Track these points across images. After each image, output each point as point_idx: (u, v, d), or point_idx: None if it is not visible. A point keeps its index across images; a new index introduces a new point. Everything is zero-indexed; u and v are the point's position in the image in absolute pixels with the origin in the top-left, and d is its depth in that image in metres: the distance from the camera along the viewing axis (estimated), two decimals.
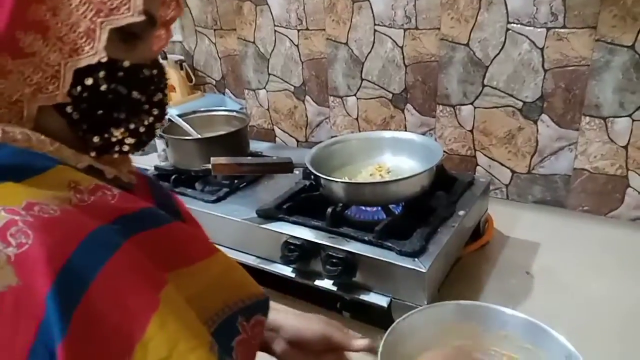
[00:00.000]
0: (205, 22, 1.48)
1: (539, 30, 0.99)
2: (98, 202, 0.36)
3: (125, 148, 0.42)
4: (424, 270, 0.69)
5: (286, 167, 0.89)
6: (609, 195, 1.04)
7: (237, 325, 0.42)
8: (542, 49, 1.00)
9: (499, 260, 0.93)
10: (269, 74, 1.42)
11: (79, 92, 0.37)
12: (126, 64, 0.39)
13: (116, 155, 0.42)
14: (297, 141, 1.47)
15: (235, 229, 0.88)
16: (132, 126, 0.41)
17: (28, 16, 0.34)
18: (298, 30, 1.31)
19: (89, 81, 0.37)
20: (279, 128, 1.49)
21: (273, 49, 1.38)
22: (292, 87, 1.40)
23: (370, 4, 1.17)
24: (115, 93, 0.39)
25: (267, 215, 0.87)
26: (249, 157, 0.90)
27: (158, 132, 0.44)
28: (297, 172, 0.93)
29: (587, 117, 1.00)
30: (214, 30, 1.47)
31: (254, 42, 1.40)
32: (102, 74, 0.37)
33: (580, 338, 0.61)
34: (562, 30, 0.97)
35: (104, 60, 0.36)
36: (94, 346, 0.30)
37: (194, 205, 0.95)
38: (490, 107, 1.10)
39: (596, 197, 1.05)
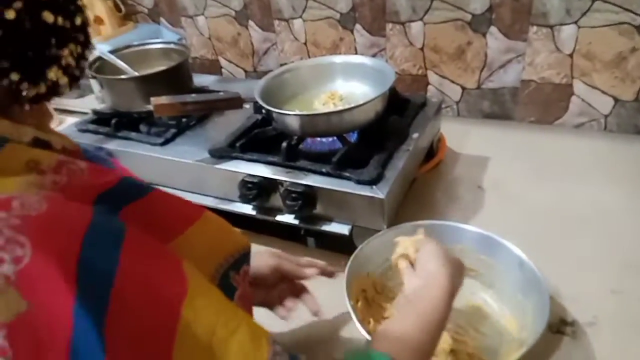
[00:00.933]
0: None
1: None
2: (73, 183, 0.31)
3: (61, 90, 0.36)
4: (382, 197, 0.70)
5: (235, 102, 0.85)
6: (554, 104, 1.07)
7: (231, 281, 0.41)
8: None
9: (452, 177, 0.96)
10: None
11: (1, 33, 0.30)
12: None
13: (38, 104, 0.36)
14: (245, 71, 1.40)
15: (188, 171, 0.85)
16: (63, 62, 0.34)
17: None
18: None
19: (11, 14, 0.30)
20: (224, 58, 1.40)
21: None
22: (233, 12, 1.30)
23: None
24: (42, 24, 0.32)
25: (221, 154, 0.84)
26: (193, 95, 0.84)
27: (87, 62, 0.38)
28: (247, 107, 0.88)
29: (535, 27, 1.00)
30: None
31: None
32: (20, 3, 0.30)
33: (532, 246, 0.65)
34: None
35: None
36: (137, 345, 0.27)
37: (141, 149, 0.90)
38: (440, 22, 1.07)
39: (542, 107, 1.08)
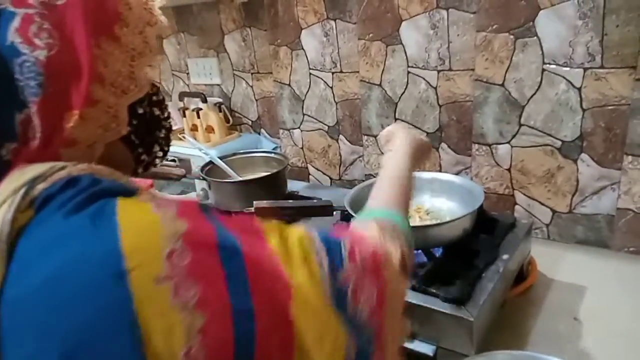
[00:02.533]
0: (243, 67, 1.54)
1: (575, 70, 1.00)
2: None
3: (157, 161, 0.50)
4: (471, 319, 0.68)
5: (327, 210, 0.90)
6: None
7: None
8: (579, 89, 1.00)
9: (544, 304, 0.91)
10: (304, 114, 1.46)
11: (135, 122, 0.45)
12: (153, 89, 0.47)
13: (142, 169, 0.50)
14: (331, 179, 1.49)
15: None
16: (161, 140, 0.49)
17: (94, 68, 0.39)
18: (332, 73, 1.35)
19: (140, 110, 0.46)
20: (313, 166, 1.52)
21: (308, 91, 1.42)
22: (326, 127, 1.43)
23: (404, 47, 1.20)
24: (153, 115, 0.48)
25: None
26: (291, 201, 0.92)
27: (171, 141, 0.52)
28: (335, 214, 0.94)
29: (630, 157, 0.99)
30: (251, 73, 1.53)
31: (289, 85, 1.45)
32: (145, 102, 0.46)
33: None
34: (600, 70, 0.97)
35: (146, 92, 0.45)
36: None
37: None
38: (528, 146, 1.10)
39: None
